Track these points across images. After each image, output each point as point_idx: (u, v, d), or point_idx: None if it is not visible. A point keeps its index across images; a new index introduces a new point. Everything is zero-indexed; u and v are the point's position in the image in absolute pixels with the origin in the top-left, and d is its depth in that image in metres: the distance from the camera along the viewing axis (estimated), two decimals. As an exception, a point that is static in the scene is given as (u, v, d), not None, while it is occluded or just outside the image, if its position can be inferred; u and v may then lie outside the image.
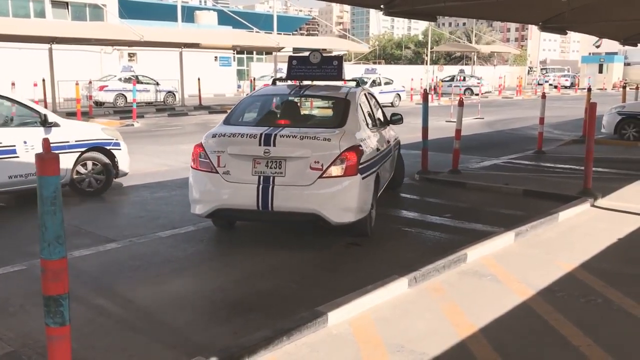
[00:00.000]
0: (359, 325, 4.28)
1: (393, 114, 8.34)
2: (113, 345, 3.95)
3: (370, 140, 6.49)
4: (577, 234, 6.84)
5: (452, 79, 42.45)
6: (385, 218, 7.18)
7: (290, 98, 7.20)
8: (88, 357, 3.74)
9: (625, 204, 8.10)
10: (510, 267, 5.63)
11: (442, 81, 40.51)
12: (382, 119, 8.08)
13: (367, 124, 6.82)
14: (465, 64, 61.46)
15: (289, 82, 7.60)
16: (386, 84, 30.99)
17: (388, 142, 7.70)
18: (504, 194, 9.02)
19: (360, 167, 5.83)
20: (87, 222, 7.12)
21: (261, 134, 5.79)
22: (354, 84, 7.55)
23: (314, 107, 7.65)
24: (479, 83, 40.59)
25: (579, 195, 8.29)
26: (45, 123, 7.85)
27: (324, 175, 5.68)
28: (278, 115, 6.96)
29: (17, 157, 7.55)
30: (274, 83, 7.81)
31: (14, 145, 7.54)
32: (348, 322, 4.31)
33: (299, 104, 7.40)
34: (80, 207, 8.07)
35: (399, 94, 31.33)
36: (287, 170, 5.70)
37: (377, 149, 6.68)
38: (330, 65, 7.24)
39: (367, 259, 5.88)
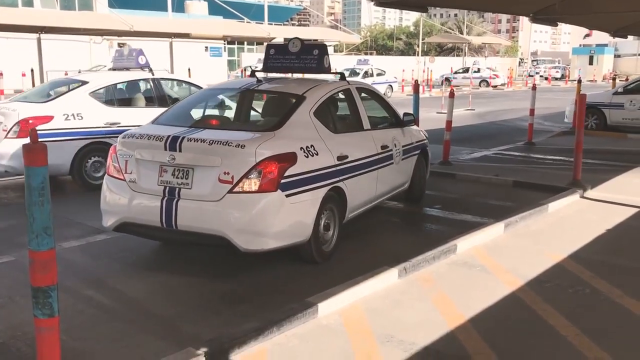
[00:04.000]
0: (349, 316, 4.30)
1: (405, 114, 7.28)
2: (103, 336, 3.94)
3: (328, 147, 5.35)
4: (567, 224, 6.88)
5: (467, 70, 42.61)
6: (375, 209, 7.20)
7: (236, 94, 6.36)
8: (78, 348, 3.73)
9: (614, 195, 8.16)
10: (500, 257, 5.66)
11: (455, 72, 40.66)
12: (389, 118, 7.14)
13: (332, 127, 5.74)
14: (457, 55, 61.58)
15: (270, 75, 6.64)
16: (378, 75, 31.03)
17: (384, 146, 6.43)
18: (494, 185, 9.06)
19: (285, 181, 4.75)
20: (76, 213, 7.08)
21: (167, 137, 4.88)
22: (337, 77, 6.48)
23: (268, 105, 6.33)
24: (495, 75, 41.00)
25: (568, 186, 8.34)
26: None
27: (234, 190, 4.65)
28: (211, 115, 6.23)
29: None
30: (252, 75, 6.48)
31: None
32: (338, 313, 4.32)
33: (245, 101, 6.28)
34: (69, 198, 8.03)
35: (391, 85, 31.37)
36: (194, 182, 4.76)
37: (343, 157, 5.51)
38: (310, 56, 6.18)
39: (357, 250, 5.88)
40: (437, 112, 20.48)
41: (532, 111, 13.49)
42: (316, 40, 33.56)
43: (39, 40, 23.03)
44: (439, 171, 9.79)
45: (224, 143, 4.75)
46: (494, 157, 11.71)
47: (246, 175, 4.64)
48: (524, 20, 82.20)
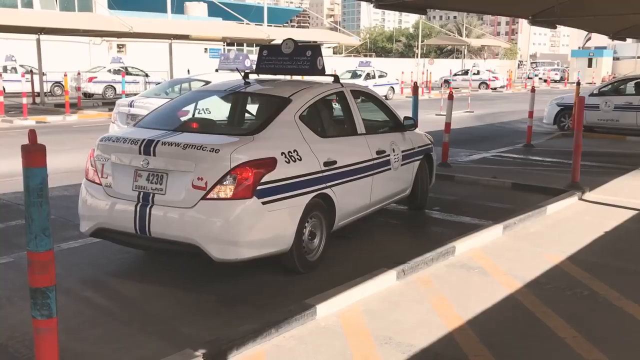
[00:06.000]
0: (347, 318, 4.30)
1: (405, 118, 7.00)
2: (101, 337, 3.94)
3: (314, 152, 5.10)
4: (565, 227, 6.89)
5: (466, 72, 42.63)
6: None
7: (222, 97, 6.20)
8: (77, 349, 3.73)
9: (612, 198, 8.17)
10: (498, 259, 5.66)
11: (454, 75, 40.63)
12: (388, 122, 6.85)
13: (320, 131, 5.50)
14: (456, 58, 61.64)
15: (264, 77, 6.45)
16: (380, 76, 31.14)
17: (380, 152, 6.16)
18: (493, 187, 9.07)
19: (262, 187, 4.52)
20: (75, 214, 7.06)
21: (143, 141, 4.71)
22: (330, 79, 6.19)
23: (252, 108, 6.14)
24: (495, 77, 40.98)
25: (567, 188, 8.35)
26: None
27: (207, 197, 4.44)
28: (192, 118, 5.98)
29: None
30: (246, 77, 6.20)
31: None
32: (336, 315, 4.32)
33: (230, 104, 6.14)
34: (67, 199, 8.02)
35: (392, 87, 31.45)
36: (168, 187, 4.58)
37: (331, 163, 5.25)
38: (303, 57, 5.99)
39: (356, 251, 5.89)
40: (436, 114, 20.50)
41: (530, 113, 13.50)
42: (315, 42, 33.61)
43: (38, 41, 23.00)
44: (437, 173, 9.77)
45: (198, 147, 4.54)
46: (492, 159, 11.72)
47: (220, 181, 4.44)
48: (523, 23, 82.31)
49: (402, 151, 6.67)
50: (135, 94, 27.02)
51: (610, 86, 16.18)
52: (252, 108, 6.17)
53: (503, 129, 17.72)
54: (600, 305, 4.65)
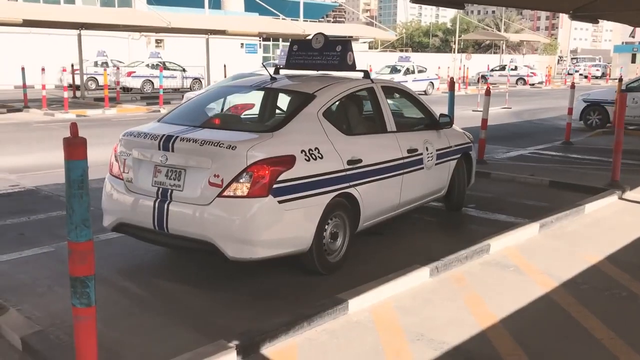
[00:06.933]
0: (379, 313, 4.30)
1: (441, 115, 6.75)
2: (137, 327, 4.03)
3: (337, 150, 4.96)
4: (604, 226, 6.74)
5: (503, 68, 42.00)
6: (408, 207, 7.16)
7: (247, 92, 6.11)
8: (114, 338, 3.82)
9: (654, 197, 7.96)
10: (534, 258, 5.58)
11: (491, 70, 40.04)
12: (423, 119, 6.65)
13: (345, 128, 5.38)
14: (494, 53, 60.66)
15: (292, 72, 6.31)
16: (420, 72, 30.94)
17: (412, 150, 5.96)
18: (530, 185, 8.92)
19: (279, 186, 4.42)
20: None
21: (162, 136, 4.69)
22: (360, 74, 6.01)
23: (276, 104, 6.04)
24: (533, 73, 40.24)
25: (606, 187, 8.17)
26: None
27: (223, 194, 4.38)
28: (215, 113, 5.86)
29: None
30: (276, 71, 6.23)
31: None
32: (368, 310, 4.33)
33: (255, 100, 6.11)
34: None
35: (432, 82, 31.22)
36: (186, 184, 4.55)
37: (355, 161, 5.10)
38: (333, 52, 5.85)
39: (389, 248, 5.87)
40: (473, 110, 20.23)
41: (570, 110, 13.23)
42: (351, 37, 33.49)
43: (79, 36, 23.52)
44: (473, 170, 9.68)
45: (216, 144, 4.47)
46: (530, 157, 11.53)
47: (236, 179, 4.35)
48: (563, 17, 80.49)
49: (437, 150, 6.44)
50: (179, 89, 27.60)
51: (638, 82, 15.75)
52: (278, 104, 6.08)
53: (541, 126, 17.40)
54: (639, 306, 4.55)
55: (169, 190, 4.60)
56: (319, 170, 4.74)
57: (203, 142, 4.52)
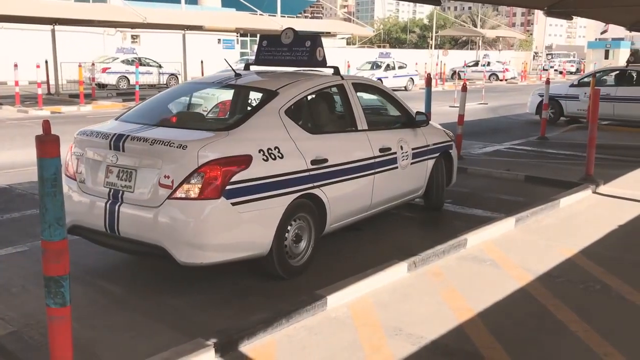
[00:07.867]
0: (357, 309, 4.31)
1: (417, 112, 6.55)
2: (114, 326, 3.99)
3: (300, 149, 4.77)
4: (578, 220, 6.84)
5: (476, 64, 42.26)
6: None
7: (210, 89, 5.91)
8: (90, 337, 3.78)
9: (626, 191, 8.10)
10: (510, 252, 5.65)
11: (466, 66, 40.28)
12: (398, 117, 6.48)
13: (310, 127, 5.20)
14: (471, 49, 61.16)
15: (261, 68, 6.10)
16: (400, 68, 31.20)
17: (385, 149, 5.79)
18: (506, 179, 9.02)
19: (233, 187, 4.21)
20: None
21: (113, 136, 4.50)
22: (331, 70, 5.85)
23: (237, 102, 5.87)
24: (505, 69, 40.53)
25: (580, 181, 8.29)
26: None
27: (173, 196, 4.17)
28: (173, 112, 5.60)
29: None
30: (246, 68, 6.07)
31: None
32: (347, 306, 4.34)
33: (214, 97, 5.87)
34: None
35: (412, 78, 31.45)
36: (137, 185, 4.35)
37: (320, 161, 4.92)
38: (302, 48, 5.67)
39: (367, 243, 5.89)
40: (450, 106, 20.38)
41: (546, 106, 13.41)
42: (329, 33, 33.47)
43: (53, 31, 23.13)
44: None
45: (166, 143, 4.26)
46: (506, 152, 11.66)
47: (187, 180, 4.14)
48: (538, 14, 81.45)
49: (413, 149, 6.27)
50: (155, 85, 27.31)
51: (589, 78, 16.07)
52: (236, 101, 5.95)
53: (517, 121, 17.59)
54: (613, 299, 4.63)
55: (120, 192, 4.42)
56: (278, 170, 4.55)
57: (153, 141, 4.32)
